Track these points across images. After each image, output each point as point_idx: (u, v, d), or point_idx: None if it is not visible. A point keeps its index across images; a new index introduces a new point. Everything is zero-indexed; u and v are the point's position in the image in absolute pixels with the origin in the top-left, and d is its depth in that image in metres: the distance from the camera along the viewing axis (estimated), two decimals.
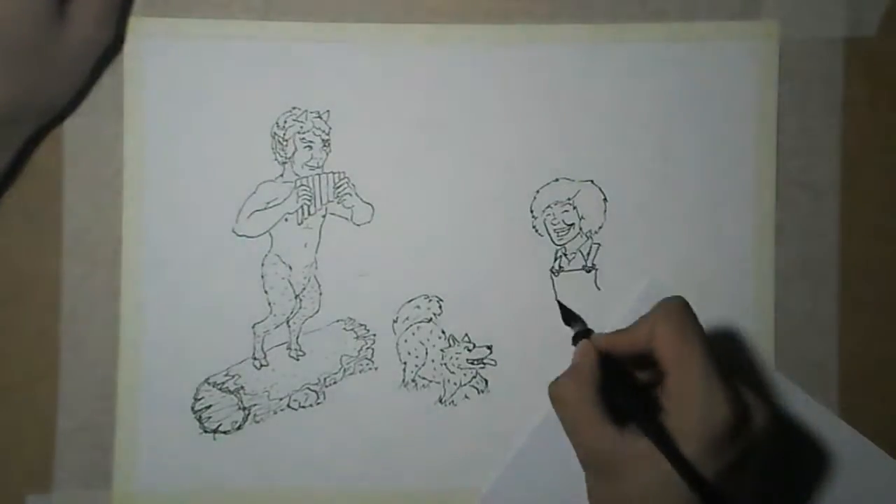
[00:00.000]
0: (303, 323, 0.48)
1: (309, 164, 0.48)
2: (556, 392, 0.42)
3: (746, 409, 0.40)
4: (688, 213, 0.48)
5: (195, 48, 0.48)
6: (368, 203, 0.48)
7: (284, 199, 0.48)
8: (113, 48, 0.47)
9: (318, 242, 0.48)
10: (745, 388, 0.41)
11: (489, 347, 0.48)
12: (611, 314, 0.48)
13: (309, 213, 0.48)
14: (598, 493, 0.41)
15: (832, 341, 0.48)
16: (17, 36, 0.43)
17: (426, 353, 0.48)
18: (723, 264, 0.48)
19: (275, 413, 0.48)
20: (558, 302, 0.47)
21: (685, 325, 0.40)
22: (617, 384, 0.42)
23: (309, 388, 0.48)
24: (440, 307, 0.48)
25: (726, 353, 0.48)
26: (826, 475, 0.47)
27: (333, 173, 0.48)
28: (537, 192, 0.48)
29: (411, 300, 0.48)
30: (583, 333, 0.44)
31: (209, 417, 0.47)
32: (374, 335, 0.48)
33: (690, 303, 0.42)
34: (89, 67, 0.47)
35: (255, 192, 0.48)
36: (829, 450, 0.47)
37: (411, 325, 0.48)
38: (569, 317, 0.46)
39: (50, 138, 0.48)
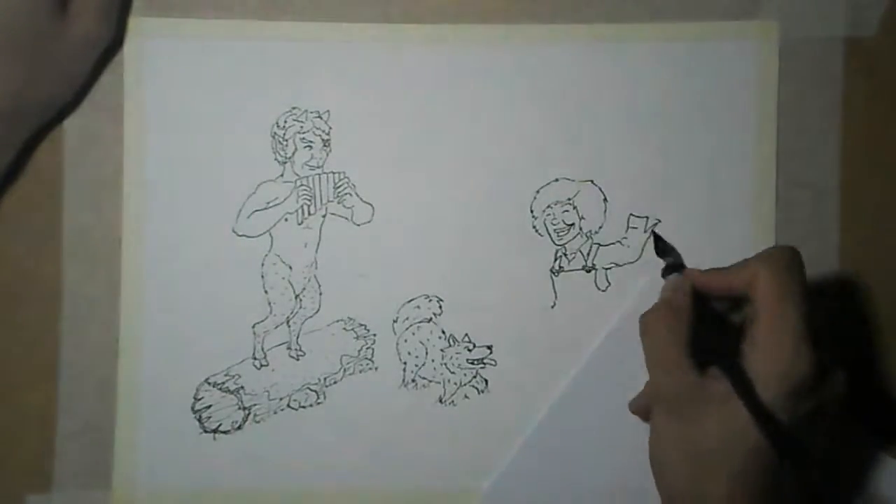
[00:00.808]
0: (303, 323, 0.48)
1: (309, 164, 0.48)
2: (648, 325, 0.42)
3: (826, 368, 0.40)
4: (688, 213, 0.48)
5: (195, 48, 0.48)
6: (368, 203, 0.48)
7: (284, 199, 0.48)
8: (113, 48, 0.47)
9: (318, 242, 0.48)
10: (826, 353, 0.41)
11: (489, 347, 0.48)
12: (611, 314, 0.48)
13: (309, 213, 0.48)
14: (667, 432, 0.41)
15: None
16: (19, 31, 0.44)
17: (426, 353, 0.48)
18: (723, 264, 0.48)
19: (275, 413, 0.48)
20: (653, 232, 0.47)
21: (788, 274, 0.40)
22: (705, 323, 0.42)
23: (309, 388, 0.48)
24: (440, 307, 0.48)
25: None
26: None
27: (333, 173, 0.48)
28: (537, 192, 0.48)
29: (411, 300, 0.48)
30: (674, 267, 0.45)
31: (209, 417, 0.47)
32: (374, 335, 0.48)
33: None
34: (90, 65, 0.47)
35: (255, 192, 0.48)
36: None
37: (411, 325, 0.48)
38: (663, 249, 0.46)
39: (50, 138, 0.48)
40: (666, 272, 0.45)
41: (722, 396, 0.40)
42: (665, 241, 0.47)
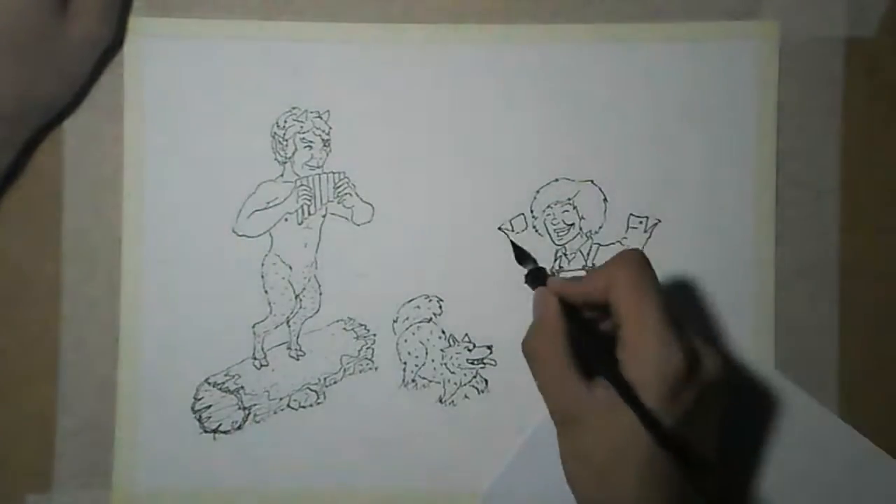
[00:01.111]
0: (303, 323, 0.48)
1: (309, 163, 0.48)
2: (528, 349, 0.42)
3: (697, 355, 0.40)
4: (688, 213, 0.48)
5: (195, 48, 0.48)
6: (368, 203, 0.48)
7: (284, 199, 0.48)
8: (113, 48, 0.47)
9: (318, 242, 0.48)
10: (696, 336, 0.41)
11: (489, 347, 0.48)
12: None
13: (309, 213, 0.48)
14: (567, 448, 0.41)
15: (832, 341, 0.48)
16: (20, 32, 0.44)
17: (426, 353, 0.48)
18: (723, 264, 0.48)
19: (275, 413, 0.48)
20: (511, 241, 0.46)
21: (641, 275, 0.41)
22: (581, 333, 0.42)
23: (309, 388, 0.48)
24: (440, 307, 0.48)
25: (726, 352, 0.48)
26: (825, 475, 0.47)
27: (333, 173, 0.48)
28: (537, 192, 0.48)
29: (411, 300, 0.48)
30: (535, 272, 0.44)
31: (209, 417, 0.47)
32: (374, 335, 0.48)
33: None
34: (90, 66, 0.47)
35: (255, 192, 0.48)
36: (829, 450, 0.47)
37: (411, 325, 0.48)
38: (521, 255, 0.45)
39: (50, 138, 0.48)
40: (528, 279, 0.44)
41: (607, 405, 0.39)
42: (522, 249, 0.45)
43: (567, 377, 0.40)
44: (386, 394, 0.48)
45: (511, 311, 0.48)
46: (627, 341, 0.40)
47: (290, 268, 0.48)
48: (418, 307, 0.48)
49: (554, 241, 0.48)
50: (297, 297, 0.48)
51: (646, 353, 0.39)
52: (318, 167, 0.48)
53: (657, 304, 0.40)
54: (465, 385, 0.48)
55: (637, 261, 0.41)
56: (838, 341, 0.48)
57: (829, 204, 0.49)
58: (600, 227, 0.48)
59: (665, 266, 0.48)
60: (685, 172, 0.48)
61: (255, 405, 0.48)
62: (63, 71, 0.46)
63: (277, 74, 0.48)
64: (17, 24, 0.44)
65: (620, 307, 0.40)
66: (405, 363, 0.48)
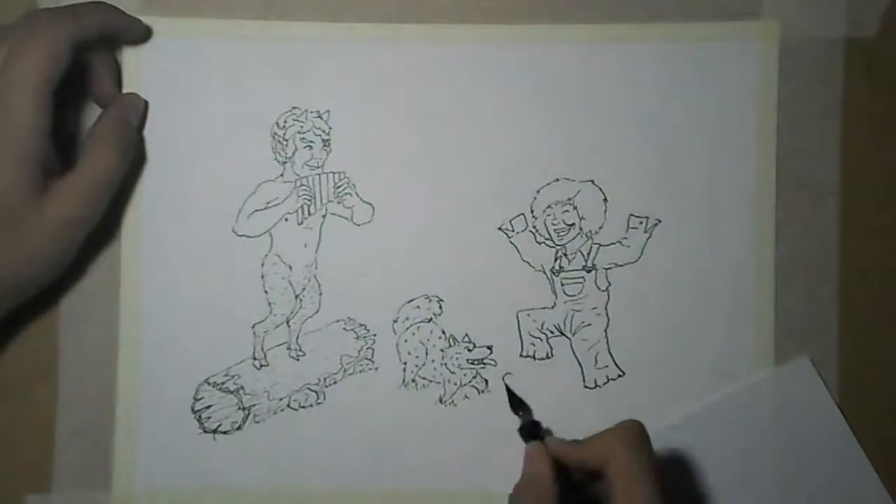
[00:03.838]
0: (303, 323, 0.48)
1: (309, 163, 0.48)
2: (516, 500, 0.42)
3: None
4: (688, 213, 0.48)
5: (195, 48, 0.48)
6: (368, 203, 0.48)
7: (284, 199, 0.48)
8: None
9: (318, 242, 0.48)
10: None
11: (489, 347, 0.48)
12: (611, 314, 0.48)
13: (309, 213, 0.48)
14: None
15: (832, 341, 0.48)
16: None
17: (426, 353, 0.48)
18: (723, 264, 0.48)
19: (275, 413, 0.48)
20: (506, 386, 0.47)
21: (638, 453, 0.41)
22: (569, 493, 0.42)
23: (309, 388, 0.48)
24: (440, 307, 0.48)
25: (725, 353, 0.48)
26: (824, 477, 0.47)
27: (333, 173, 0.48)
28: (537, 192, 0.48)
29: (411, 300, 0.48)
30: (530, 426, 0.45)
31: (209, 417, 0.47)
32: (374, 335, 0.48)
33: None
34: (72, 247, 0.45)
35: (255, 192, 0.48)
36: (831, 452, 0.47)
37: (411, 325, 0.48)
38: (516, 405, 0.47)
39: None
40: (522, 432, 0.45)
41: None
42: (518, 398, 0.47)
43: None
44: (386, 394, 0.48)
45: (511, 311, 0.48)
46: None
47: (290, 268, 0.48)
48: (418, 307, 0.48)
49: (554, 241, 0.48)
50: (297, 297, 0.48)
51: None
52: (318, 167, 0.48)
53: (649, 485, 0.40)
54: (465, 385, 0.48)
55: (635, 437, 0.41)
56: (838, 341, 0.48)
57: (829, 204, 0.49)
58: (600, 227, 0.48)
59: (665, 266, 0.48)
60: (685, 172, 0.48)
61: (254, 405, 0.48)
62: (37, 253, 0.43)
63: (277, 74, 0.48)
64: None
65: (614, 482, 0.40)
66: (405, 363, 0.48)
